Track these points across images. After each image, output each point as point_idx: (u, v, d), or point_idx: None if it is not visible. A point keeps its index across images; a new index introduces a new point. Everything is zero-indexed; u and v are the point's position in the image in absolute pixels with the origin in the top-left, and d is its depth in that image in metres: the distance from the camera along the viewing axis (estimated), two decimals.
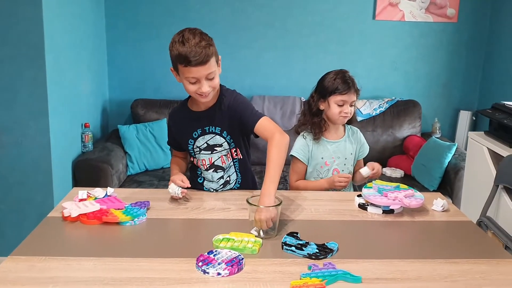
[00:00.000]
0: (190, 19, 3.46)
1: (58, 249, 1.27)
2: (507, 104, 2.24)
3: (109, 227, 1.42)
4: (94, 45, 3.28)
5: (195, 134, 1.73)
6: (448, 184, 2.92)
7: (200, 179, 1.82)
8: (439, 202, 1.63)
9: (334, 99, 1.86)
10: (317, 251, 1.28)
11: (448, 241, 1.41)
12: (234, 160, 1.78)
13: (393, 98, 3.57)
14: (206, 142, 1.73)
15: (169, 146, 3.27)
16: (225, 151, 1.75)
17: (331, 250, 1.29)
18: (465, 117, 3.58)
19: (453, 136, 3.69)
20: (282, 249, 1.31)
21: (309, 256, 1.26)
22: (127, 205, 1.55)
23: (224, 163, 1.76)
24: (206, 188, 1.81)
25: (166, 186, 1.65)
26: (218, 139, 1.72)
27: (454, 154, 3.00)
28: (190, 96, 1.76)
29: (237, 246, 1.29)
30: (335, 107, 1.87)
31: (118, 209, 1.51)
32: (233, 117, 1.68)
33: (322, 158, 1.94)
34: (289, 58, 3.61)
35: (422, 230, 1.49)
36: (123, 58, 3.55)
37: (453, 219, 1.57)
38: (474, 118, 3.58)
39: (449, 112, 3.72)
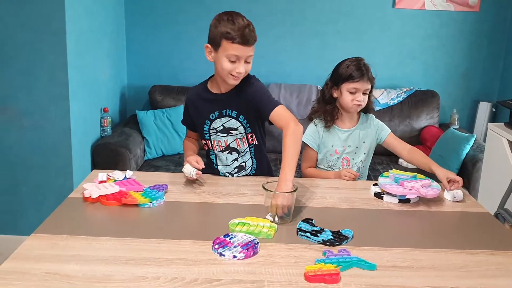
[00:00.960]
0: (207, 6, 3.46)
1: (79, 228, 1.30)
2: None
3: (128, 208, 1.45)
4: (113, 31, 3.31)
5: (212, 116, 1.75)
6: (466, 175, 2.90)
7: (215, 165, 1.84)
8: (453, 192, 1.62)
9: (346, 87, 1.86)
10: (332, 237, 1.29)
11: (464, 232, 1.41)
12: (250, 146, 1.80)
13: (412, 88, 3.53)
14: (222, 125, 1.75)
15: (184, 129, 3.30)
16: (241, 135, 1.77)
17: (346, 237, 1.30)
18: (484, 108, 3.52)
19: (471, 127, 3.64)
20: (297, 235, 1.32)
21: (324, 243, 1.27)
22: (145, 187, 1.58)
23: (239, 146, 1.78)
24: (221, 174, 1.83)
25: (181, 172, 1.67)
26: (234, 123, 1.74)
27: (472, 146, 2.97)
28: (210, 77, 1.78)
29: (253, 230, 1.31)
30: (347, 95, 1.86)
31: (137, 191, 1.54)
32: (250, 102, 1.69)
33: (332, 146, 1.93)
34: (306, 46, 3.59)
35: (438, 220, 1.49)
36: (142, 44, 3.57)
37: (470, 210, 1.56)
38: (494, 110, 3.52)
39: (468, 103, 3.67)
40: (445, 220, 1.49)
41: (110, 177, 1.64)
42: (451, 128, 3.28)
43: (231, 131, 1.76)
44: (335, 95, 1.91)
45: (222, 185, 1.69)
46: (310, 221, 1.39)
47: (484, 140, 3.49)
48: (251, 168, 1.84)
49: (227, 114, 1.74)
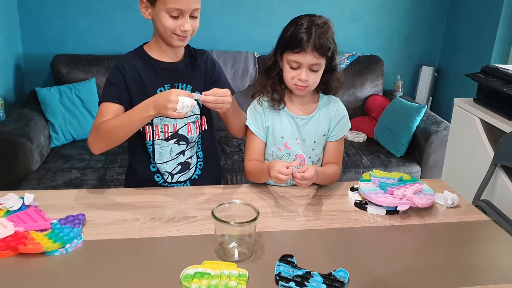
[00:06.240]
0: None
1: None
2: (500, 67, 1.98)
3: (29, 259, 1.01)
4: None
5: (161, 90, 1.36)
6: (417, 150, 2.72)
7: (152, 160, 1.44)
8: (447, 196, 1.36)
9: (286, 58, 1.36)
10: (325, 286, 0.96)
11: (478, 254, 1.14)
12: (199, 136, 1.47)
13: (354, 53, 3.25)
14: None
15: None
16: (195, 117, 1.43)
17: (342, 283, 0.97)
18: (427, 73, 3.37)
19: (413, 93, 3.48)
20: (277, 285, 0.97)
21: None
22: (53, 221, 1.12)
23: (190, 133, 1.43)
24: (156, 177, 1.44)
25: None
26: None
27: (422, 117, 2.78)
28: (145, 44, 1.41)
29: (216, 286, 0.93)
30: (287, 70, 1.37)
31: (42, 230, 1.09)
32: (210, 78, 1.45)
33: (282, 137, 1.44)
34: (238, 6, 3.15)
35: (437, 238, 1.20)
36: (39, 3, 2.92)
37: (469, 219, 1.30)
38: (436, 74, 3.38)
39: (410, 68, 3.49)
40: (445, 235, 1.22)
41: (1, 207, 1.16)
42: (397, 96, 3.07)
43: None
44: (281, 65, 1.40)
45: (163, 206, 1.27)
46: (289, 259, 1.04)
47: (430, 108, 3.35)
48: (195, 167, 1.47)
49: (181, 89, 1.38)
